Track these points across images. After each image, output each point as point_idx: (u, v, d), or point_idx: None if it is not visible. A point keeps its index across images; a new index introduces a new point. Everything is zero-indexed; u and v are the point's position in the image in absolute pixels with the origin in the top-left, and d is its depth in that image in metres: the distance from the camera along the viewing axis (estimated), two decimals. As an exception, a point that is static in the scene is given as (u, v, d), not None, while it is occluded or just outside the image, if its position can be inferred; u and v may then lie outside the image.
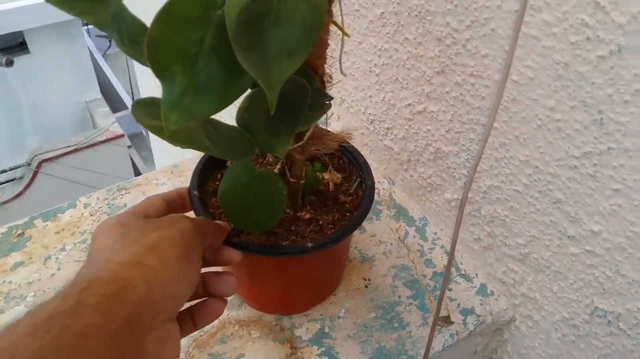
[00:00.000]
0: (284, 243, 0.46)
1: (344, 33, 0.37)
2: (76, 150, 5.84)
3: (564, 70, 0.40)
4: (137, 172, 6.96)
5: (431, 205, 0.61)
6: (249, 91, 0.36)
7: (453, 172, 0.55)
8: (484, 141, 0.37)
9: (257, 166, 0.50)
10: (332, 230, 0.47)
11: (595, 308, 0.46)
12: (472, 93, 0.49)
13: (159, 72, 0.32)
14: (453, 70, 0.50)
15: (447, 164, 0.56)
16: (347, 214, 0.48)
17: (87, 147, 5.89)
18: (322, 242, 0.45)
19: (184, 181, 0.65)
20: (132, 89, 8.18)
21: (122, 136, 6.21)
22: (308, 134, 0.42)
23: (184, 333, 0.38)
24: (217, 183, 0.50)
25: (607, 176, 0.40)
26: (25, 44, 5.17)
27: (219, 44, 0.33)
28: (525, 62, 0.43)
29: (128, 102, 7.44)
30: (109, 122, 6.30)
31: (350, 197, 0.49)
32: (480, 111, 0.49)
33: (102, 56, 8.68)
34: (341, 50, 0.40)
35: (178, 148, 0.38)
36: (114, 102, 7.15)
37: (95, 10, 0.35)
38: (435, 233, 0.60)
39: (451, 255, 0.49)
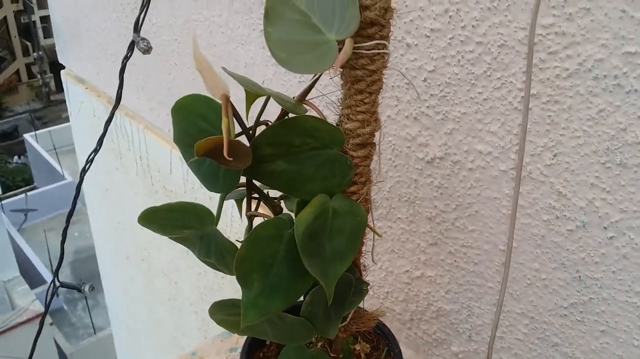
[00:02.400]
0: (331, 416, 0.51)
1: (377, 233, 0.47)
2: (-3, 334, 5.40)
3: (541, 240, 0.51)
4: (61, 353, 6.43)
5: None
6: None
7: (457, 328, 0.64)
8: (499, 305, 0.46)
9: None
10: (371, 396, 0.52)
11: None
12: (465, 260, 0.59)
13: (242, 280, 0.40)
14: (445, 242, 0.61)
15: (450, 320, 0.64)
16: (381, 380, 0.54)
17: (6, 331, 5.47)
18: (367, 410, 0.50)
19: (204, 365, 0.68)
20: (50, 262, 7.85)
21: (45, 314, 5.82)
22: (350, 315, 0.50)
23: None
24: (261, 363, 0.55)
25: (593, 321, 0.50)
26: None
27: (288, 255, 0.41)
28: (507, 234, 0.54)
29: (47, 275, 7.11)
30: (28, 301, 5.96)
31: (381, 364, 0.56)
32: (475, 274, 0.59)
33: (18, 231, 8.43)
34: (373, 245, 0.49)
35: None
36: (32, 278, 6.82)
37: (187, 233, 0.42)
38: (445, 385, 0.67)
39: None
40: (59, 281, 0.52)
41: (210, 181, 0.41)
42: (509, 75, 0.49)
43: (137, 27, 0.38)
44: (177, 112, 0.42)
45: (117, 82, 1.26)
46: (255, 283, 0.40)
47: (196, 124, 0.41)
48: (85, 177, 1.69)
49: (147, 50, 0.40)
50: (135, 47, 0.39)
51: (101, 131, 1.42)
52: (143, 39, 0.38)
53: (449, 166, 0.57)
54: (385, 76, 0.62)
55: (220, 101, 0.37)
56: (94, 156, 0.43)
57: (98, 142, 0.42)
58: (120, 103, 1.31)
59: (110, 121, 0.44)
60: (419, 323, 0.69)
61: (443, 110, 0.56)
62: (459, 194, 0.57)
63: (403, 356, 0.70)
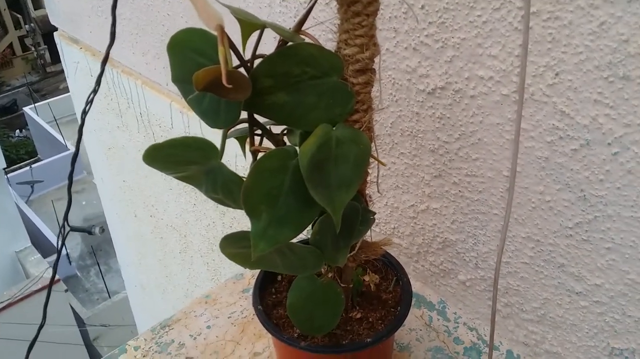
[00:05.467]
0: (344, 342, 0.52)
1: (380, 162, 0.47)
2: (10, 305, 5.54)
3: (545, 163, 0.52)
4: (78, 318, 6.61)
5: (446, 288, 0.69)
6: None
7: (463, 256, 0.65)
8: (504, 232, 0.46)
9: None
10: (382, 325, 0.54)
11: (612, 349, 0.55)
12: (470, 189, 0.60)
13: (250, 212, 0.41)
14: (449, 173, 0.61)
15: (456, 250, 0.65)
16: (392, 309, 0.55)
17: (22, 299, 5.62)
18: (379, 336, 0.52)
19: (219, 308, 0.70)
20: (60, 231, 7.93)
21: (58, 280, 5.98)
22: (358, 245, 0.50)
23: None
24: (273, 297, 0.57)
25: (598, 239, 0.51)
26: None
27: (294, 185, 0.42)
28: (511, 160, 0.54)
29: (58, 245, 7.21)
30: (41, 270, 6.09)
31: (391, 295, 0.57)
32: (480, 202, 0.59)
33: (26, 203, 8.52)
34: (377, 176, 0.49)
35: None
36: (43, 248, 6.95)
37: (191, 169, 0.43)
38: (455, 313, 0.68)
39: (491, 338, 0.57)
40: (69, 225, 0.53)
41: (212, 117, 0.41)
42: (508, -6, 0.48)
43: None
44: (173, 48, 0.41)
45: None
46: (263, 213, 0.40)
47: (193, 59, 0.40)
48: (87, 139, 1.68)
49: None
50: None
51: (99, 90, 1.41)
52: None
53: (450, 95, 0.57)
54: (382, 7, 0.61)
55: (215, 32, 0.36)
56: (94, 96, 0.43)
57: (96, 82, 0.42)
58: (115, 60, 1.29)
59: (107, 59, 0.43)
60: (425, 255, 0.70)
61: (442, 37, 0.55)
62: (461, 124, 0.57)
63: (412, 288, 0.72)
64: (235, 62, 0.39)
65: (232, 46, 0.38)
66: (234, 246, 0.44)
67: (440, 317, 0.68)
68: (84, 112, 0.44)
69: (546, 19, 0.46)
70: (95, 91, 0.43)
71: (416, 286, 0.72)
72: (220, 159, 0.41)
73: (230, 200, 0.43)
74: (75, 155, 0.49)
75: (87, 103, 0.44)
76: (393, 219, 0.72)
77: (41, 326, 0.67)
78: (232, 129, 0.47)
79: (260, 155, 0.43)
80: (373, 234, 0.77)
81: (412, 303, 0.70)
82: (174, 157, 0.40)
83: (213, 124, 0.41)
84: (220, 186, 0.42)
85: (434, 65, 0.57)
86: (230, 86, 0.33)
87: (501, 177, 0.56)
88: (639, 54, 0.42)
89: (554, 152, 0.50)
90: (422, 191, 0.66)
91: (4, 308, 5.25)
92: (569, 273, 0.55)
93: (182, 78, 0.41)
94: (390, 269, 0.59)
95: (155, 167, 0.42)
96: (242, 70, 0.40)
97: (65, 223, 0.54)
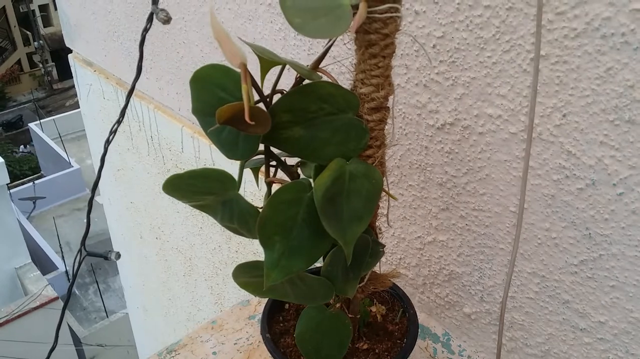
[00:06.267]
0: (350, 373, 0.53)
1: (392, 196, 0.49)
2: (7, 322, 5.51)
3: (551, 200, 0.53)
4: (75, 337, 6.55)
5: (451, 321, 0.70)
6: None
7: (469, 289, 0.65)
8: (511, 267, 0.47)
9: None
10: (388, 357, 0.54)
11: (617, 387, 0.55)
12: (477, 223, 0.61)
13: (264, 242, 0.42)
14: (456, 207, 0.62)
15: (462, 282, 0.66)
16: (398, 341, 0.56)
17: (19, 316, 5.58)
18: (385, 367, 0.52)
19: (225, 334, 0.70)
20: (60, 248, 7.94)
21: (56, 298, 5.95)
22: (367, 276, 0.51)
23: None
24: (281, 325, 0.57)
25: (603, 276, 0.52)
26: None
27: (308, 217, 0.43)
28: (518, 196, 0.55)
29: (58, 262, 7.22)
30: (40, 287, 6.06)
31: (397, 326, 0.58)
32: (486, 236, 0.61)
33: (27, 219, 8.53)
34: (388, 208, 0.50)
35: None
36: (43, 265, 6.93)
37: (208, 199, 0.44)
38: (459, 345, 0.69)
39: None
40: (85, 249, 0.54)
41: (230, 149, 0.42)
42: (517, 37, 0.50)
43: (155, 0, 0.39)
44: (196, 82, 0.43)
45: (126, 63, 1.26)
46: (277, 244, 0.41)
47: (215, 94, 0.42)
48: (96, 158, 1.70)
49: (167, 20, 0.41)
50: (155, 18, 0.40)
51: (111, 113, 1.43)
52: (162, 9, 0.39)
53: (459, 131, 0.58)
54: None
55: (238, 70, 0.38)
56: (117, 126, 0.44)
57: (121, 113, 0.44)
58: (129, 84, 1.31)
59: (132, 92, 0.45)
60: (431, 286, 0.70)
61: (452, 76, 0.57)
62: (469, 159, 0.59)
63: (417, 319, 0.72)
64: (256, 97, 0.41)
65: (254, 83, 0.39)
66: (247, 275, 0.46)
67: (444, 349, 0.68)
68: (107, 142, 0.46)
69: (554, 62, 0.48)
70: (119, 122, 0.44)
71: (421, 317, 0.73)
72: (238, 190, 0.42)
73: (245, 230, 0.44)
74: (96, 183, 0.50)
75: (110, 133, 0.46)
76: (400, 249, 0.73)
77: (52, 349, 0.67)
78: (253, 159, 0.49)
79: (274, 186, 0.45)
80: (380, 265, 0.78)
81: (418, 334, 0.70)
82: (194, 187, 0.41)
83: (231, 155, 0.43)
84: (236, 216, 0.43)
85: (444, 102, 0.59)
86: (252, 122, 0.34)
87: (508, 213, 0.57)
88: (643, 99, 0.44)
89: (560, 191, 0.52)
90: (429, 223, 0.67)
91: (1, 324, 5.22)
92: (574, 309, 0.55)
93: (202, 111, 0.43)
94: (397, 300, 0.60)
95: (174, 196, 0.43)
96: (261, 105, 0.41)
97: (83, 248, 0.56)
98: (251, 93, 0.38)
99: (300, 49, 0.75)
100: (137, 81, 0.43)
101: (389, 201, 0.50)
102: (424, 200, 0.66)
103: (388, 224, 0.51)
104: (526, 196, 0.55)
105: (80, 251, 0.56)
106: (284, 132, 0.42)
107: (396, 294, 0.60)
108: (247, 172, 0.51)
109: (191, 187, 0.41)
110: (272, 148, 0.44)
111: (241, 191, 0.45)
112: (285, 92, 0.43)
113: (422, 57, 0.59)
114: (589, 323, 0.55)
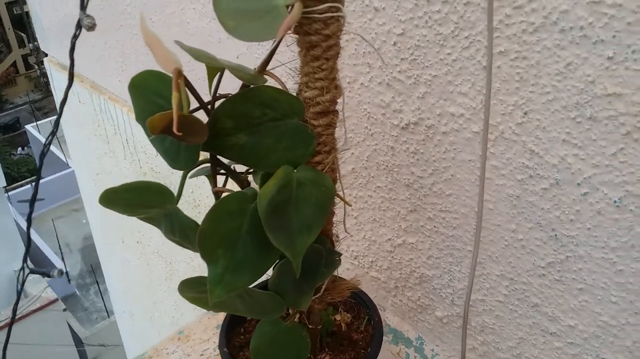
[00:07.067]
0: (311, 386, 0.51)
1: (346, 203, 0.47)
2: (7, 325, 5.48)
3: (516, 201, 0.51)
4: (76, 337, 6.54)
5: (424, 324, 0.68)
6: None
7: (440, 292, 0.64)
8: (472, 268, 0.45)
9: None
10: (353, 366, 0.52)
11: (589, 392, 0.53)
12: (445, 225, 0.59)
13: (206, 256, 0.40)
14: (424, 208, 0.60)
15: (432, 285, 0.64)
16: (362, 351, 0.54)
17: (20, 319, 5.56)
18: (349, 379, 0.50)
19: (192, 345, 0.68)
20: (60, 249, 7.90)
21: (56, 300, 5.93)
22: (324, 286, 0.49)
23: None
24: (242, 337, 0.55)
25: (570, 279, 0.50)
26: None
27: (252, 229, 0.41)
28: (484, 197, 0.53)
29: (58, 263, 7.20)
30: (40, 289, 6.04)
31: (362, 335, 0.56)
32: (454, 238, 0.59)
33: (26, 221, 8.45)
34: (344, 215, 0.48)
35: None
36: (43, 266, 6.90)
37: (151, 212, 0.42)
38: (432, 350, 0.67)
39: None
40: (28, 267, 0.52)
41: (172, 158, 0.40)
42: (476, 33, 0.48)
43: (82, 4, 0.37)
44: (134, 89, 0.41)
45: (98, 66, 1.23)
46: (221, 258, 0.39)
47: (153, 101, 0.40)
48: (77, 163, 1.67)
49: (91, 27, 0.39)
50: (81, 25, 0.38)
51: (87, 116, 1.40)
52: (87, 15, 0.37)
53: (423, 130, 0.56)
54: (356, 43, 0.61)
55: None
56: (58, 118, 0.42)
57: (59, 106, 0.42)
58: (102, 86, 1.29)
59: (70, 87, 0.43)
60: (403, 289, 0.68)
61: (414, 74, 0.55)
62: (434, 159, 0.57)
63: (390, 323, 0.71)
64: (196, 104, 0.39)
65: (191, 88, 0.37)
66: (194, 291, 0.43)
67: (417, 354, 0.67)
68: (53, 133, 0.44)
69: (514, 58, 0.46)
70: (57, 121, 0.42)
71: (394, 321, 0.71)
72: (177, 204, 0.40)
73: (188, 243, 0.42)
74: (38, 174, 0.48)
75: (54, 125, 0.43)
76: (371, 252, 0.71)
77: None
78: (200, 168, 0.47)
79: (223, 196, 0.43)
80: (351, 268, 0.76)
81: (390, 339, 0.69)
82: (130, 201, 0.39)
83: (173, 164, 0.40)
84: (177, 229, 0.41)
85: (407, 101, 0.57)
86: (179, 133, 0.32)
87: (474, 214, 0.56)
88: (605, 96, 0.42)
89: (525, 191, 0.50)
90: (398, 225, 0.65)
91: (0, 327, 5.19)
92: (543, 312, 0.53)
93: (143, 118, 0.41)
94: (362, 307, 0.58)
95: (115, 210, 0.41)
96: (202, 112, 0.39)
97: (25, 265, 0.53)
98: (185, 101, 0.36)
99: (265, 48, 0.73)
100: (69, 89, 0.41)
101: (345, 208, 0.48)
102: (393, 202, 0.64)
103: (345, 230, 0.49)
104: (491, 197, 0.53)
105: (22, 268, 0.53)
106: (228, 139, 0.40)
107: (362, 300, 0.58)
108: (195, 179, 0.49)
109: (127, 201, 0.39)
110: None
111: (189, 200, 0.43)
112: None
113: (384, 55, 0.57)
114: (558, 326, 0.53)
